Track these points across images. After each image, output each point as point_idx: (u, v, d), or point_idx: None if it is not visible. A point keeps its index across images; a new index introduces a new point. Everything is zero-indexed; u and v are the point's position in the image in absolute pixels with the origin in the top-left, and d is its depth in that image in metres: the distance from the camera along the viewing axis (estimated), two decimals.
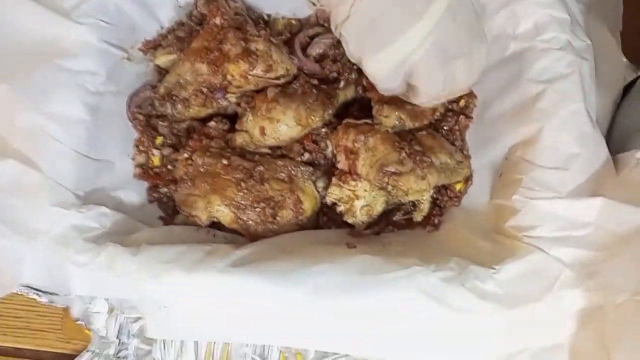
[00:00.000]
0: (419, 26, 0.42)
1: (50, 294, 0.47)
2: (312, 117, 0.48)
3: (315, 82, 0.51)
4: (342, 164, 0.48)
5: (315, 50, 0.52)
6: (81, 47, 0.47)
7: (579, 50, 0.47)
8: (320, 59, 0.53)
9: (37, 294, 0.47)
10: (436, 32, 0.42)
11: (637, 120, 0.49)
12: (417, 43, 0.42)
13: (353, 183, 0.47)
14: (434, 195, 0.49)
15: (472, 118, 0.51)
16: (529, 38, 0.48)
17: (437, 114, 0.50)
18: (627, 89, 0.51)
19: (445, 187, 0.49)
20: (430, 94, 0.45)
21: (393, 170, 0.45)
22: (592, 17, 0.50)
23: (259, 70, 0.48)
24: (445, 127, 0.51)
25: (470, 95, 0.52)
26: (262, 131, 0.48)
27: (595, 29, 0.50)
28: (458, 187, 0.49)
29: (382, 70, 0.44)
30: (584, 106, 0.45)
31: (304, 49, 0.53)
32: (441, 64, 0.43)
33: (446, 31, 0.42)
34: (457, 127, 0.51)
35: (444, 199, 0.49)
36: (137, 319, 0.47)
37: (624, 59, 0.51)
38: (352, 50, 0.45)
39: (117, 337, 0.48)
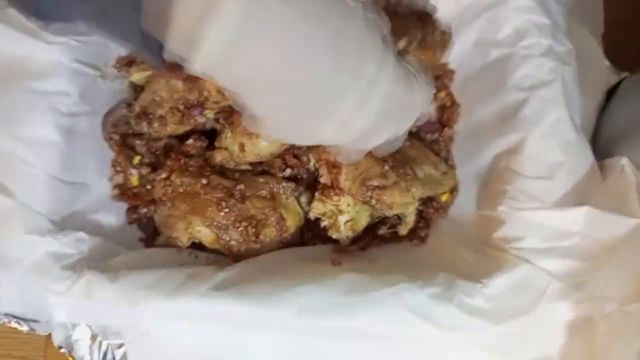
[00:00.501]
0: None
1: (32, 321, 0.46)
2: None
3: None
4: (324, 178, 0.47)
5: None
6: (52, 68, 0.46)
7: (561, 55, 0.46)
8: None
9: (18, 323, 0.45)
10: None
11: (622, 124, 0.48)
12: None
13: (336, 198, 0.46)
14: (420, 208, 0.48)
15: (455, 132, 0.51)
16: (509, 44, 0.47)
17: None
18: (611, 92, 0.51)
19: (430, 198, 0.49)
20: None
21: (376, 184, 0.44)
22: (573, 21, 0.49)
23: None
24: (429, 138, 0.50)
25: (453, 105, 0.51)
26: (242, 147, 0.47)
27: (577, 32, 0.49)
28: (444, 198, 0.48)
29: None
30: (568, 113, 0.44)
31: None
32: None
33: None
34: (441, 139, 0.50)
35: (430, 210, 0.49)
36: (121, 345, 0.46)
37: (607, 62, 0.50)
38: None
39: None
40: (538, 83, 0.45)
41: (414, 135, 0.51)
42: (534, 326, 0.41)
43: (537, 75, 0.45)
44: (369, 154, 0.44)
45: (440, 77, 0.52)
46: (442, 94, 0.52)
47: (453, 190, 0.49)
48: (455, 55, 0.52)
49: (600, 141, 0.49)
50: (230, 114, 0.48)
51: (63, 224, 0.45)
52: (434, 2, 0.52)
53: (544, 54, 0.46)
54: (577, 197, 0.43)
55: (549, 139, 0.44)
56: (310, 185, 0.49)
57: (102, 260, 0.44)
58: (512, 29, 0.47)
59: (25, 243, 0.43)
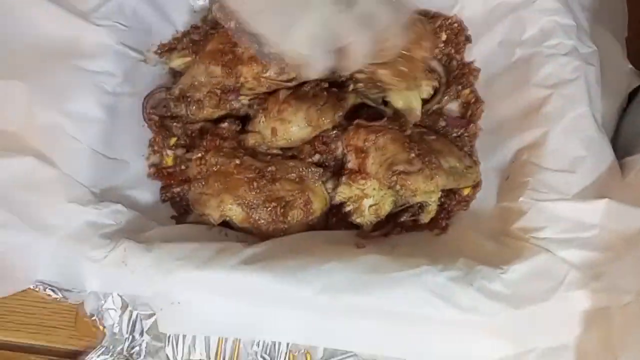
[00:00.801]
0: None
1: (65, 290, 0.47)
2: (322, 118, 0.49)
3: (326, 85, 0.52)
4: (352, 163, 0.49)
5: None
6: (99, 49, 0.49)
7: (585, 56, 0.48)
8: None
9: (53, 290, 0.47)
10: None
11: None
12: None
13: (362, 182, 0.48)
14: (442, 200, 0.50)
15: (481, 128, 0.52)
16: (535, 44, 0.49)
17: None
18: (632, 95, 0.52)
19: (453, 192, 0.50)
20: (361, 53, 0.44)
21: (402, 169, 0.46)
22: (597, 24, 0.51)
23: (271, 72, 0.49)
24: (454, 134, 0.52)
25: (477, 102, 0.53)
26: (274, 132, 0.49)
27: (600, 35, 0.51)
28: (466, 192, 0.50)
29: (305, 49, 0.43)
30: (590, 110, 0.46)
31: None
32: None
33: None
34: (466, 134, 0.52)
35: (452, 203, 0.50)
36: (150, 316, 0.48)
37: (629, 66, 0.52)
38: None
39: (130, 333, 0.49)
40: (562, 81, 0.47)
41: (439, 131, 0.53)
42: (551, 314, 0.42)
43: (560, 74, 0.47)
44: (398, 140, 0.46)
45: (466, 74, 0.54)
46: (467, 91, 0.54)
47: (476, 186, 0.51)
48: (481, 54, 0.54)
49: (620, 142, 0.50)
50: (264, 100, 0.50)
51: (102, 196, 0.47)
52: (462, 3, 0.54)
53: (568, 53, 0.47)
54: (597, 190, 0.44)
55: (571, 134, 0.45)
56: (337, 172, 0.51)
57: (137, 233, 0.46)
58: (537, 29, 0.49)
59: (67, 211, 0.45)
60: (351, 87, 0.53)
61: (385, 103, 0.53)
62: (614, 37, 0.52)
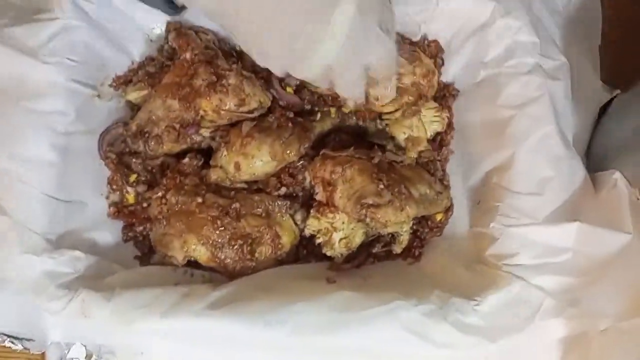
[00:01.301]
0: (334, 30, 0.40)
1: (26, 340, 0.45)
2: (287, 152, 0.47)
3: (291, 114, 0.50)
4: (320, 195, 0.47)
5: (293, 80, 0.52)
6: (48, 87, 0.46)
7: (550, 71, 0.47)
8: (298, 89, 0.52)
9: (12, 342, 0.45)
10: (349, 30, 0.40)
11: (614, 140, 0.49)
12: (337, 45, 0.40)
13: (331, 215, 0.46)
14: (414, 227, 0.49)
15: (453, 152, 0.51)
16: (497, 64, 0.48)
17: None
18: (604, 109, 0.51)
19: (425, 218, 0.49)
20: (351, 91, 0.45)
21: (371, 202, 0.44)
22: (569, 35, 0.50)
23: (231, 104, 0.47)
24: (424, 159, 0.51)
25: (450, 124, 0.52)
26: (237, 167, 0.47)
27: (573, 47, 0.50)
28: (439, 217, 0.49)
29: (310, 76, 0.44)
30: (556, 128, 0.45)
31: (281, 79, 0.52)
32: (357, 59, 0.42)
33: (357, 27, 0.40)
34: (438, 158, 0.51)
35: (425, 230, 0.49)
36: None
37: (600, 82, 0.51)
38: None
39: None
40: (526, 100, 0.46)
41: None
42: (528, 344, 0.41)
43: (524, 93, 0.46)
44: (365, 171, 0.45)
45: (445, 96, 0.52)
46: (443, 114, 0.52)
47: (448, 210, 0.50)
48: (447, 78, 0.53)
49: (593, 156, 0.50)
50: (227, 132, 0.48)
51: (59, 243, 0.45)
52: (428, 26, 0.52)
53: (530, 71, 0.47)
54: (568, 212, 0.43)
55: (537, 154, 0.45)
56: (306, 202, 0.49)
57: (98, 279, 0.44)
58: (499, 49, 0.49)
59: (21, 263, 0.43)
60: (319, 116, 0.51)
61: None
62: (586, 49, 0.51)
